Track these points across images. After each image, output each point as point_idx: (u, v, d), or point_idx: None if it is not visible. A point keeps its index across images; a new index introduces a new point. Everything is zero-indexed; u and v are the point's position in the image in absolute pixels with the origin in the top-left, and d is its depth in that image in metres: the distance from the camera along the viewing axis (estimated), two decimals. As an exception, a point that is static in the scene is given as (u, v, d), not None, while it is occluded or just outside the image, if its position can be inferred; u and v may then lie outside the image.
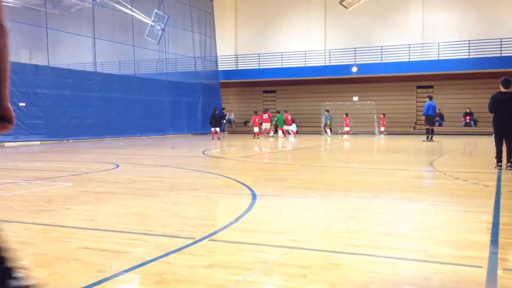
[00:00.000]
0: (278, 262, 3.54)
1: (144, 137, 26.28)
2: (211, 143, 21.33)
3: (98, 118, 23.55)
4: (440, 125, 29.48)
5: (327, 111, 28.78)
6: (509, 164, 9.44)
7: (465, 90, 30.15)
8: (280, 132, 26.56)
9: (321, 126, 30.10)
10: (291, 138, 25.76)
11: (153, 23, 27.35)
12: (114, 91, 24.70)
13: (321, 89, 33.01)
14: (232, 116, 35.04)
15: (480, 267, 3.41)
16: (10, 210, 5.69)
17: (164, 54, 28.69)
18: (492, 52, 28.30)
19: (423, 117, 22.30)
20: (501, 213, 5.28)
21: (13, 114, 1.75)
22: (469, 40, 28.93)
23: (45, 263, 3.57)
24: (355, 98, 32.13)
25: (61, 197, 6.59)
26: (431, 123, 21.66)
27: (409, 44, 30.33)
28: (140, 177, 8.89)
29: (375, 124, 29.82)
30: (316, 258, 3.64)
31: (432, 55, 29.97)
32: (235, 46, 35.95)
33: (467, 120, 29.29)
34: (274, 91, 35.24)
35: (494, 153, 9.94)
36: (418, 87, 31.42)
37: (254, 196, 6.49)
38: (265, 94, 35.74)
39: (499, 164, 9.65)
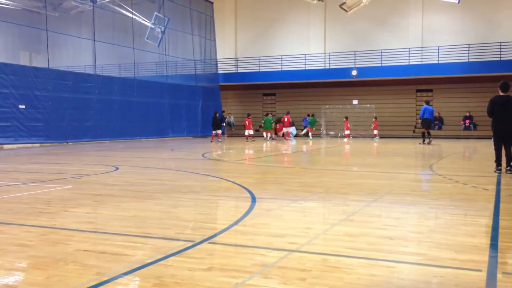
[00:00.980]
0: (277, 265, 3.54)
1: (143, 139, 26.28)
2: (211, 145, 21.33)
3: (98, 120, 23.56)
4: (439, 128, 29.51)
5: (309, 115, 29.50)
6: (508, 168, 9.44)
7: (465, 94, 30.17)
8: (265, 134, 27.19)
9: (302, 130, 30.39)
10: (291, 141, 25.78)
11: (153, 26, 27.37)
12: (114, 94, 24.71)
13: (321, 92, 33.03)
14: (232, 119, 35.04)
15: (480, 270, 3.41)
16: (9, 212, 5.69)
17: (164, 56, 28.71)
18: (492, 56, 28.32)
19: (420, 121, 22.40)
20: (500, 217, 5.29)
21: None
22: (468, 44, 28.97)
23: (44, 265, 3.57)
24: (355, 102, 32.15)
25: (60, 199, 6.59)
26: (428, 126, 21.73)
27: (409, 48, 30.38)
28: (140, 180, 8.88)
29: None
30: (315, 261, 3.64)
31: (432, 59, 30.01)
32: (235, 49, 35.99)
33: (466, 124, 29.30)
34: (274, 94, 35.26)
35: (493, 157, 9.94)
36: (418, 91, 31.45)
37: (253, 199, 6.49)
38: (264, 97, 35.76)
39: (499, 168, 9.65)
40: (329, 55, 32.57)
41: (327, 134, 30.91)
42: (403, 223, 5.19)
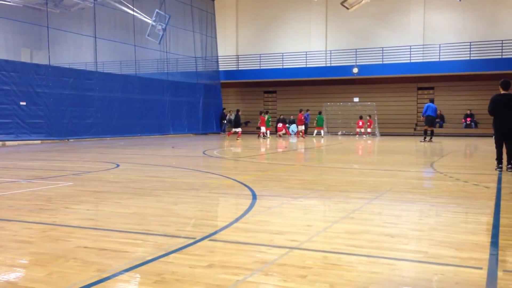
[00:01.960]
0: (278, 263, 3.54)
1: (144, 136, 26.28)
2: (212, 143, 21.34)
3: (99, 117, 23.57)
4: (440, 126, 29.49)
5: (305, 110, 29.72)
6: (509, 165, 9.44)
7: (466, 92, 30.15)
8: (263, 132, 27.25)
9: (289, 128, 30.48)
10: (292, 139, 25.77)
11: (154, 23, 27.35)
12: (115, 91, 24.71)
13: (322, 90, 33.02)
14: (232, 117, 35.02)
15: (480, 268, 3.41)
16: (10, 209, 5.70)
17: (165, 54, 28.71)
18: (493, 53, 28.29)
19: (423, 118, 22.43)
20: (501, 215, 5.28)
21: None
22: (470, 42, 28.92)
23: (44, 262, 3.57)
24: (356, 99, 32.13)
25: (61, 196, 6.59)
26: (431, 124, 21.77)
27: (410, 45, 30.32)
28: (141, 177, 8.89)
29: (376, 125, 29.83)
30: (316, 259, 3.64)
31: (433, 57, 29.96)
32: (236, 46, 35.95)
33: (467, 122, 29.28)
34: (275, 92, 35.25)
35: (494, 155, 9.93)
36: (419, 88, 31.43)
37: (254, 196, 6.49)
38: (265, 95, 35.75)
39: (500, 165, 9.64)
40: (330, 53, 32.53)
41: (335, 133, 31.03)
42: (404, 220, 5.19)
